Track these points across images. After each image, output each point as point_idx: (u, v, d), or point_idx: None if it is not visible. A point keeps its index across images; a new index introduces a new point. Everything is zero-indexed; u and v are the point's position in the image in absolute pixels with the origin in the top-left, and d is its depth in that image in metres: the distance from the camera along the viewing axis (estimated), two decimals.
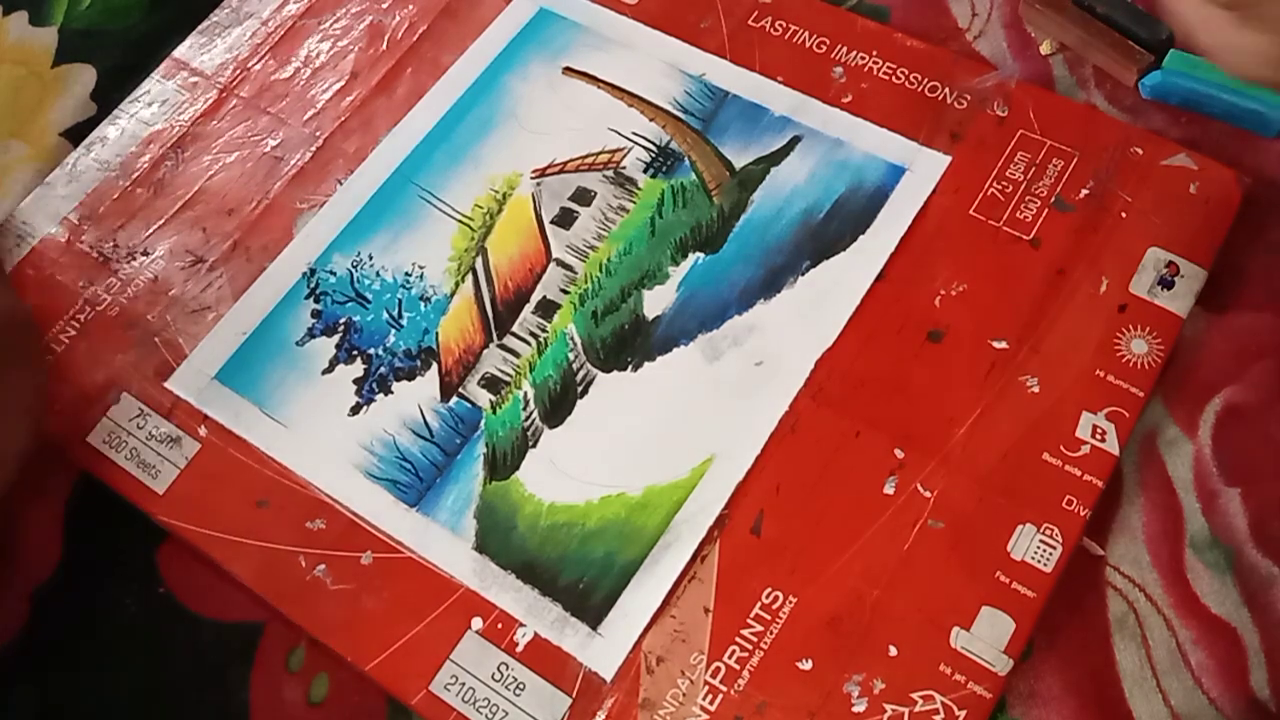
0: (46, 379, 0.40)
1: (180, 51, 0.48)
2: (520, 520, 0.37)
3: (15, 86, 0.48)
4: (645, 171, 0.43)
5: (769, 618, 0.35)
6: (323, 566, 0.37)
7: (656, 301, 0.41)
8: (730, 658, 0.34)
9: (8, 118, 0.47)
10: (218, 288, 0.42)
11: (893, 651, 0.34)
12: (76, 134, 0.47)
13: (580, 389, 0.39)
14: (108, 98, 0.48)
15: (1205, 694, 0.34)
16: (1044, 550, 0.35)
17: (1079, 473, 0.36)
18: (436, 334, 0.41)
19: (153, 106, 0.47)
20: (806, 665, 0.34)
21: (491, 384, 0.40)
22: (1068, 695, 0.34)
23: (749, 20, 0.45)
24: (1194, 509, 0.37)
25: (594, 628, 0.35)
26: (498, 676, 0.35)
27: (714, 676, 0.34)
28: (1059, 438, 0.36)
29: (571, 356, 0.40)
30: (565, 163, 0.44)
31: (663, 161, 0.43)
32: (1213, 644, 0.35)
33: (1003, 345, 0.38)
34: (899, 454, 0.36)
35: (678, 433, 0.38)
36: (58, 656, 0.38)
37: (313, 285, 0.42)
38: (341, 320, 0.42)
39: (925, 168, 0.41)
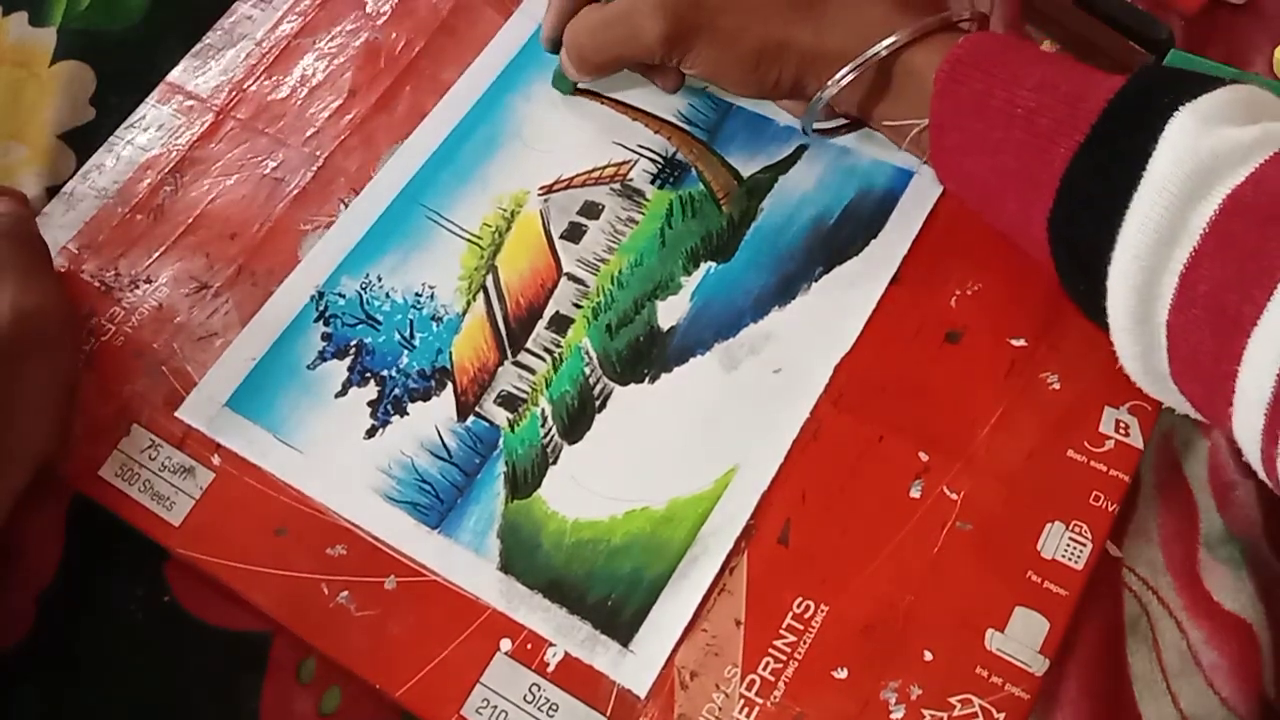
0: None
1: (174, 75, 0.47)
2: (545, 538, 0.37)
3: (15, 88, 0.47)
4: (653, 183, 0.43)
5: (801, 628, 0.34)
6: (346, 593, 0.36)
7: (670, 312, 0.40)
8: (764, 669, 0.34)
9: (8, 119, 0.47)
10: (224, 314, 0.42)
11: (928, 656, 0.34)
12: (75, 138, 0.47)
13: (598, 403, 0.39)
14: (106, 103, 0.47)
15: (1217, 694, 0.34)
16: (1074, 548, 0.35)
17: (1104, 468, 0.36)
18: (450, 353, 0.41)
19: (149, 132, 0.46)
20: (842, 674, 0.34)
21: (508, 402, 0.39)
22: (1083, 698, 0.34)
23: None
24: (1209, 506, 0.37)
25: (625, 645, 0.35)
26: (530, 698, 0.34)
27: (749, 689, 0.34)
28: (1083, 434, 0.36)
29: (587, 371, 0.40)
30: (572, 178, 0.43)
31: (670, 172, 0.43)
32: (1225, 643, 0.35)
33: (1021, 343, 0.38)
34: (923, 457, 0.36)
35: (699, 444, 0.38)
36: (63, 661, 0.37)
37: (321, 308, 0.42)
38: (353, 343, 0.41)
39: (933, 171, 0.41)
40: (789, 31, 0.37)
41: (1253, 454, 0.29)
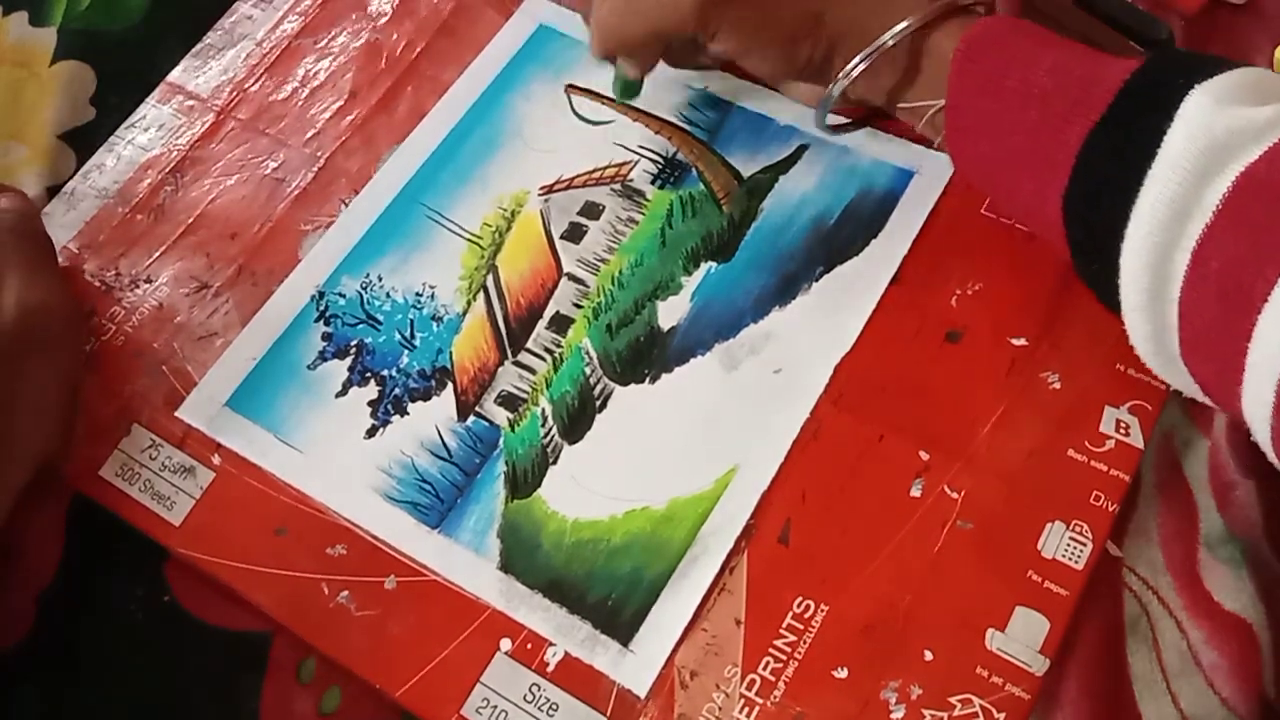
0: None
1: (175, 75, 0.47)
2: (545, 538, 0.37)
3: (15, 88, 0.47)
4: (653, 183, 0.43)
5: (801, 627, 0.34)
6: (346, 593, 0.36)
7: (671, 312, 0.40)
8: (765, 669, 0.34)
9: (8, 119, 0.47)
10: (224, 313, 0.42)
11: (928, 656, 0.34)
12: (75, 139, 0.47)
13: (598, 403, 0.39)
14: (106, 103, 0.47)
15: (1217, 694, 0.34)
16: (1074, 547, 0.35)
17: (1105, 468, 0.36)
18: (450, 353, 0.41)
19: (149, 132, 0.46)
20: (842, 674, 0.34)
21: (508, 402, 0.39)
22: (1083, 698, 0.34)
23: None
24: (1209, 505, 0.37)
25: (625, 644, 0.35)
26: (530, 698, 0.34)
27: (749, 689, 0.34)
28: (1083, 433, 0.36)
29: (588, 371, 0.40)
30: (573, 178, 0.43)
31: (670, 173, 0.43)
32: (1225, 643, 0.35)
33: (1022, 342, 0.38)
34: (924, 456, 0.36)
35: (699, 444, 0.38)
36: (63, 661, 0.37)
37: (322, 308, 0.42)
38: (353, 342, 0.41)
39: (934, 170, 0.41)
40: (825, 5, 0.37)
41: (1261, 432, 0.29)
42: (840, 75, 0.37)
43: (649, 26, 0.39)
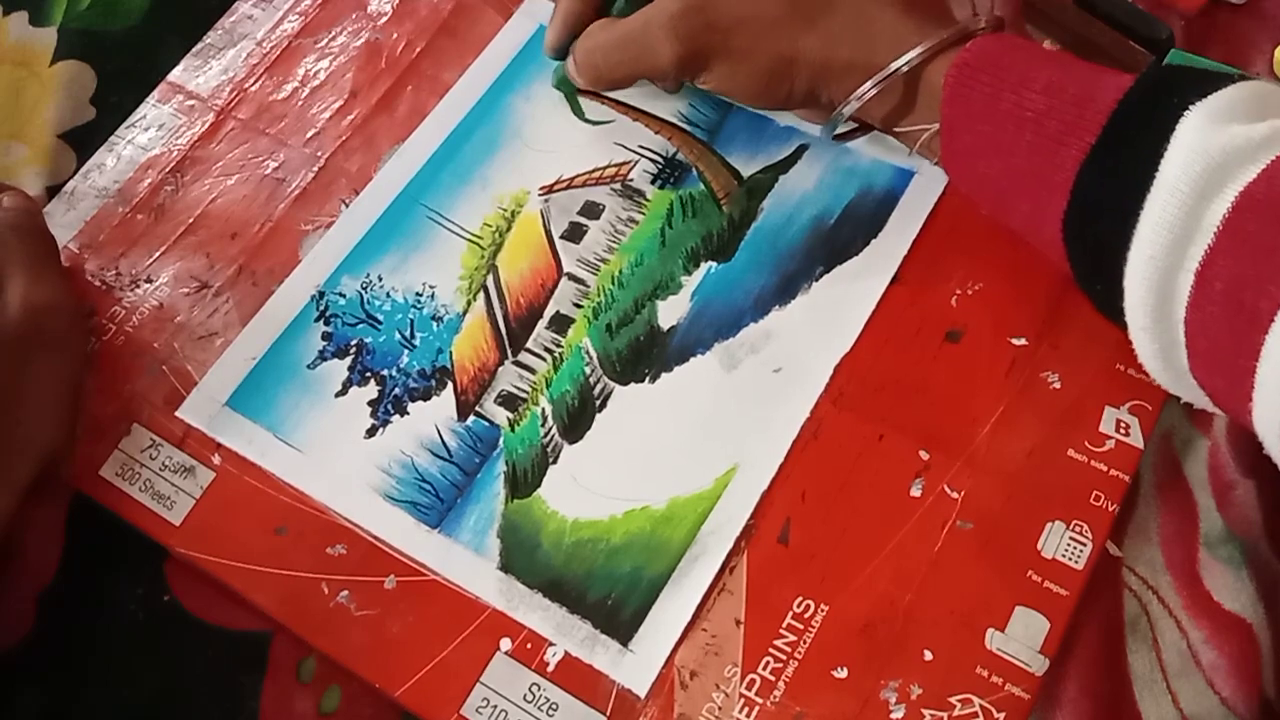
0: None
1: (175, 75, 0.47)
2: (544, 538, 0.37)
3: (16, 88, 0.47)
4: (653, 183, 0.43)
5: (801, 627, 0.34)
6: (346, 593, 0.36)
7: (671, 312, 0.40)
8: (764, 669, 0.34)
9: (8, 119, 0.47)
10: (224, 313, 0.42)
11: (928, 656, 0.34)
12: (75, 138, 0.47)
13: (598, 403, 0.39)
14: (107, 102, 0.47)
15: (1217, 693, 0.34)
16: (1074, 547, 0.35)
17: (1105, 468, 0.36)
18: (450, 353, 0.41)
19: (149, 131, 0.46)
20: (842, 674, 0.34)
21: (508, 401, 0.39)
22: (1083, 697, 0.34)
23: None
24: (1209, 505, 0.37)
25: (625, 644, 0.35)
26: (530, 698, 0.34)
27: (749, 689, 0.34)
28: (1083, 433, 0.36)
29: (588, 370, 0.40)
30: (573, 178, 0.43)
31: (670, 172, 0.43)
32: (1224, 642, 0.35)
33: (1022, 342, 0.38)
34: (924, 455, 0.36)
35: (699, 443, 0.38)
36: (64, 661, 0.37)
37: (322, 308, 0.42)
38: (353, 342, 0.41)
39: (934, 170, 0.41)
40: (798, 46, 0.37)
41: (1274, 447, 0.29)
42: (852, 98, 0.37)
43: (632, 71, 0.41)
